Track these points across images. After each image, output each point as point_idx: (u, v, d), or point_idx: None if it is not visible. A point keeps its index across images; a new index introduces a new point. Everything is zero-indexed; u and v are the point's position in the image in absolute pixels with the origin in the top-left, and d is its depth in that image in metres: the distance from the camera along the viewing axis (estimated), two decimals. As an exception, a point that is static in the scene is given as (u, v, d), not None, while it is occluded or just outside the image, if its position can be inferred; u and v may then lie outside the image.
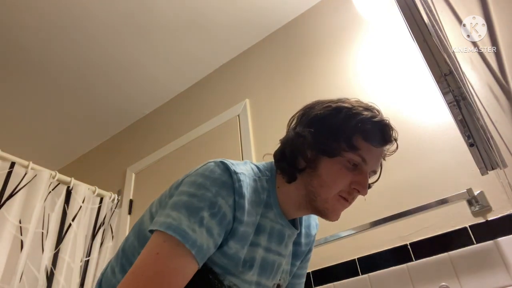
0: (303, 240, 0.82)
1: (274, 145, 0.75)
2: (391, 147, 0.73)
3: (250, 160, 0.76)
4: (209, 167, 0.65)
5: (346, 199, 0.69)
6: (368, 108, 0.69)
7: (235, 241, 0.63)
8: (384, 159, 0.74)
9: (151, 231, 0.60)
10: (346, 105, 0.69)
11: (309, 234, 0.85)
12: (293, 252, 0.80)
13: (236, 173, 0.64)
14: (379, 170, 0.74)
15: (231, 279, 0.64)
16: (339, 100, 0.71)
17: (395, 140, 0.72)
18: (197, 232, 0.57)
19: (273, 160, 0.76)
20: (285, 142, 0.73)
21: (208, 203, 0.60)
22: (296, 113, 0.75)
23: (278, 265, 0.73)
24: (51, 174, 1.67)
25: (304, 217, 0.84)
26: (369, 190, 1.38)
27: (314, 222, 0.88)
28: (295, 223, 0.77)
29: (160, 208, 0.65)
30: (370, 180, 0.73)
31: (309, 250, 0.87)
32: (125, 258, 0.69)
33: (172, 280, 0.54)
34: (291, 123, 0.75)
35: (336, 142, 0.66)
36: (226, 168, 0.64)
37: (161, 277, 0.53)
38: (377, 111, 0.71)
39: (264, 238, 0.69)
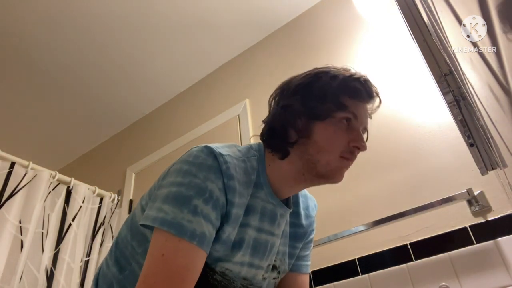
0: (303, 221, 0.81)
1: (274, 145, 0.75)
2: (374, 103, 0.73)
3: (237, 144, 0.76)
4: (192, 152, 0.64)
5: (348, 158, 0.68)
6: (345, 69, 0.71)
7: (229, 224, 0.62)
8: (371, 117, 0.75)
9: (144, 226, 0.59)
10: (324, 69, 0.71)
11: (309, 215, 0.83)
12: (292, 234, 0.79)
13: (221, 155, 0.63)
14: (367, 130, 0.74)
15: (222, 265, 0.64)
16: (315, 68, 0.72)
17: (377, 94, 0.72)
18: (194, 222, 0.56)
19: (259, 142, 0.75)
20: (271, 120, 0.72)
21: (197, 189, 0.58)
22: (273, 92, 0.75)
23: (272, 245, 0.72)
24: (51, 174, 1.67)
25: (302, 199, 0.82)
26: (368, 190, 1.39)
27: (312, 204, 0.87)
28: (287, 203, 0.76)
29: (150, 200, 0.64)
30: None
31: (311, 232, 0.85)
32: (118, 251, 0.69)
33: (185, 277, 0.53)
34: (272, 102, 0.75)
35: (325, 104, 0.66)
36: (210, 151, 0.63)
37: (174, 278, 0.53)
38: (353, 69, 0.72)
39: (255, 218, 0.67)
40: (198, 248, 0.55)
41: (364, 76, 0.71)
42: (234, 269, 0.65)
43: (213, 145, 0.65)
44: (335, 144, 0.66)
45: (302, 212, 0.81)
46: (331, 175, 0.68)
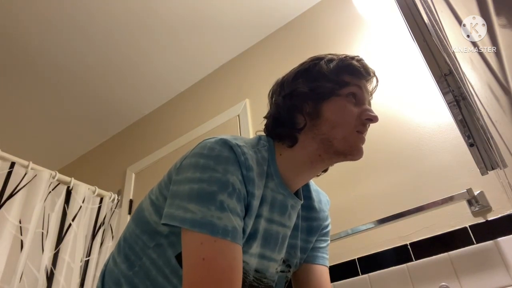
0: (317, 215, 0.80)
1: (274, 145, 0.75)
2: (372, 82, 0.76)
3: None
4: (206, 145, 0.62)
5: (362, 132, 0.69)
6: (337, 54, 0.74)
7: (249, 216, 0.61)
8: (372, 97, 0.77)
9: (167, 225, 0.57)
10: (318, 56, 0.74)
11: (322, 209, 0.83)
12: (305, 228, 0.78)
13: (239, 146, 0.62)
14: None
15: None
16: (310, 57, 0.75)
17: (374, 73, 0.75)
18: (223, 218, 0.55)
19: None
20: (275, 111, 0.73)
21: (220, 184, 0.57)
22: (272, 88, 0.78)
23: (283, 236, 0.71)
24: (51, 174, 1.67)
25: (314, 193, 0.82)
26: (368, 190, 1.39)
27: (324, 199, 0.86)
28: (297, 196, 0.75)
29: (163, 196, 0.63)
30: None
31: (326, 226, 0.84)
32: (128, 247, 0.67)
33: (232, 277, 0.52)
34: (272, 96, 0.77)
35: (328, 83, 0.69)
36: (224, 142, 0.61)
37: (223, 281, 0.52)
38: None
39: (266, 209, 0.66)
40: (233, 243, 0.54)
41: (357, 56, 0.73)
42: (249, 261, 0.65)
43: (227, 136, 0.64)
44: (347, 117, 0.68)
45: (316, 205, 0.80)
46: (351, 152, 0.68)
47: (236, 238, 0.55)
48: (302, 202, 0.75)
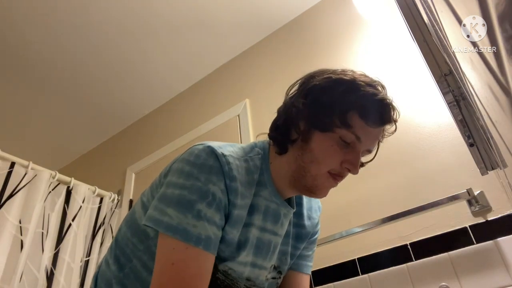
0: (306, 222, 0.80)
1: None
2: (390, 128, 0.69)
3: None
4: (193, 151, 0.63)
5: (336, 178, 0.66)
6: (371, 84, 0.64)
7: (231, 225, 0.61)
8: (382, 141, 0.70)
9: (147, 226, 0.59)
10: (347, 78, 0.64)
11: (311, 217, 0.83)
12: (296, 234, 0.78)
13: (224, 155, 0.62)
14: (375, 150, 0.70)
15: (226, 264, 0.63)
16: (342, 72, 0.66)
17: (395, 121, 0.67)
18: (198, 226, 0.55)
19: (265, 140, 0.74)
20: (280, 112, 0.72)
21: (200, 193, 0.58)
22: (298, 79, 0.71)
23: (275, 245, 0.71)
24: (51, 174, 1.67)
25: (305, 199, 0.82)
26: (368, 190, 1.38)
27: (316, 205, 0.86)
28: (290, 203, 0.75)
29: (153, 198, 0.64)
30: (364, 159, 0.69)
31: (314, 233, 0.84)
32: (118, 249, 0.68)
33: (198, 284, 0.53)
34: (290, 90, 0.72)
35: (329, 117, 0.62)
36: (211, 151, 0.62)
37: (186, 286, 0.53)
38: (381, 87, 0.66)
39: (258, 218, 0.67)
40: (205, 252, 0.55)
41: (387, 99, 0.64)
42: (238, 269, 0.65)
43: (215, 144, 0.64)
44: (328, 159, 0.64)
45: (305, 212, 0.81)
46: (315, 191, 0.67)
47: (209, 247, 0.56)
48: (294, 210, 0.75)
